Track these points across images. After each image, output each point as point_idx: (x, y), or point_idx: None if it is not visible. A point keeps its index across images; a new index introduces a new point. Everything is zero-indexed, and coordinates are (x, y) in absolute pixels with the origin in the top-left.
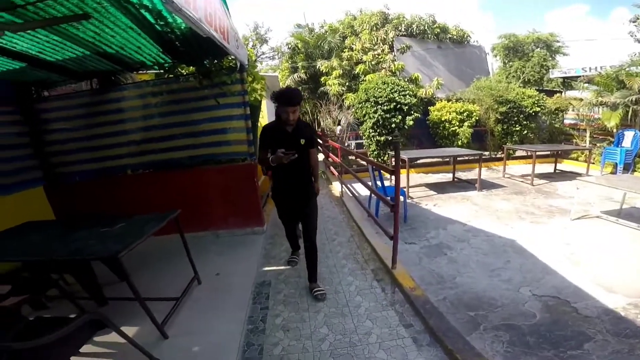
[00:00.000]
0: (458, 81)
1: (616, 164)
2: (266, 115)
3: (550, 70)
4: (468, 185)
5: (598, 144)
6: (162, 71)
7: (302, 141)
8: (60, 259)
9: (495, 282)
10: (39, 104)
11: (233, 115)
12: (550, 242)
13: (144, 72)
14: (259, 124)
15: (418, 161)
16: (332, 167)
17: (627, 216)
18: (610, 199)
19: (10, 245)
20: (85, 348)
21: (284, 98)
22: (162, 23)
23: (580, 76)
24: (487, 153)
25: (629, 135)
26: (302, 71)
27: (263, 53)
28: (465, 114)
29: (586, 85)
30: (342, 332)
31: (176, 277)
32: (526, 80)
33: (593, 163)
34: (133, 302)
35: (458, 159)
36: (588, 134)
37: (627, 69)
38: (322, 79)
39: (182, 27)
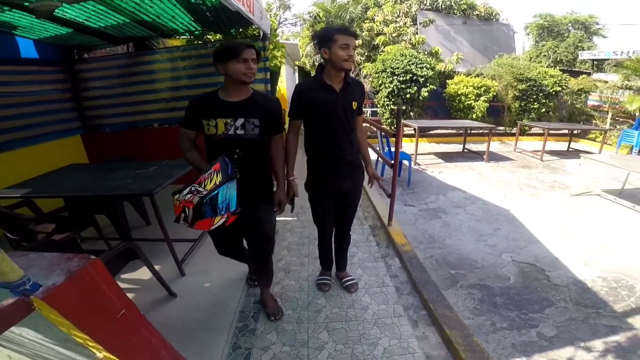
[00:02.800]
0: (482, 57)
1: (632, 146)
2: (285, 80)
3: (581, 51)
4: (477, 156)
5: (617, 127)
6: (192, 37)
7: (355, 104)
8: (103, 195)
9: (480, 247)
10: (80, 64)
11: (255, 79)
12: (543, 215)
13: (176, 37)
14: (277, 88)
15: (431, 131)
16: None
17: (628, 196)
18: (617, 179)
19: (59, 182)
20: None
21: (341, 28)
22: None
23: (609, 59)
24: (501, 128)
25: None
26: None
27: (285, 19)
28: (482, 88)
29: (615, 68)
30: (334, 276)
31: None
32: (557, 60)
33: (609, 144)
34: (155, 244)
35: (472, 131)
36: (609, 116)
37: None
38: None
39: (214, 0)
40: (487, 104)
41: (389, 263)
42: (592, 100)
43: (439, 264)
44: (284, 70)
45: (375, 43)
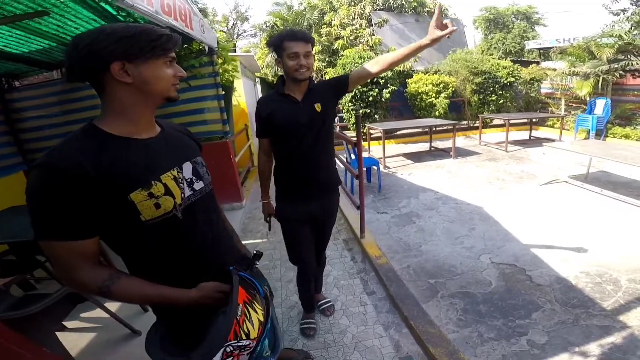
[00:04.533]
0: (437, 54)
1: (589, 130)
2: (243, 94)
3: (527, 41)
4: (444, 153)
5: (572, 112)
6: None
7: (318, 107)
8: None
9: (457, 250)
10: (10, 93)
11: (206, 96)
12: (516, 209)
13: None
14: (234, 104)
15: (397, 132)
16: None
17: (594, 180)
18: (580, 163)
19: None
20: (71, 324)
21: (288, 33)
22: (124, 14)
23: (553, 47)
24: (464, 122)
25: (600, 103)
26: None
27: (244, 31)
28: (441, 85)
29: (559, 55)
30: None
31: None
32: (507, 51)
33: (567, 130)
34: None
35: (437, 129)
36: (563, 103)
37: (597, 40)
38: None
39: (138, 18)
40: (447, 100)
41: (365, 279)
42: (545, 88)
43: (417, 274)
44: (240, 84)
45: (335, 47)
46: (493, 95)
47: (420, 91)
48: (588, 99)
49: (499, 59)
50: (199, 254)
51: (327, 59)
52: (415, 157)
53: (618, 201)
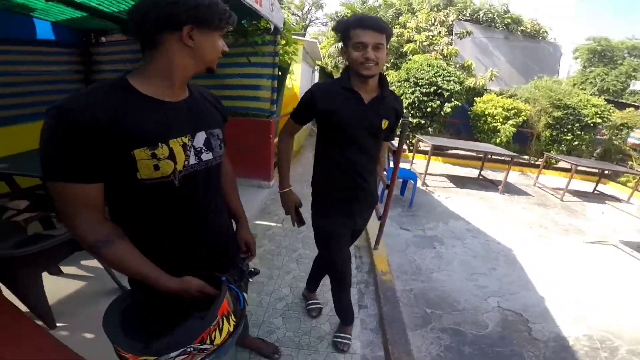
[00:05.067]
0: (519, 77)
1: None
2: (299, 79)
3: (633, 81)
4: (492, 185)
5: None
6: None
7: (385, 123)
8: None
9: (469, 286)
10: (96, 47)
11: (262, 74)
12: (548, 261)
13: None
14: (288, 87)
15: (448, 151)
16: None
17: None
18: (637, 229)
19: (33, 162)
20: (68, 269)
21: (356, 19)
22: None
23: None
24: (525, 157)
25: None
26: None
27: (317, 18)
28: (513, 111)
29: None
30: (299, 297)
31: None
32: (604, 89)
33: None
34: None
35: (492, 157)
36: None
37: None
38: None
39: None
40: (514, 129)
41: (362, 291)
42: (634, 138)
43: (416, 300)
44: (298, 68)
45: (404, 50)
46: (569, 134)
47: (486, 113)
48: None
49: (591, 95)
50: (193, 228)
51: (392, 60)
52: (460, 182)
53: None
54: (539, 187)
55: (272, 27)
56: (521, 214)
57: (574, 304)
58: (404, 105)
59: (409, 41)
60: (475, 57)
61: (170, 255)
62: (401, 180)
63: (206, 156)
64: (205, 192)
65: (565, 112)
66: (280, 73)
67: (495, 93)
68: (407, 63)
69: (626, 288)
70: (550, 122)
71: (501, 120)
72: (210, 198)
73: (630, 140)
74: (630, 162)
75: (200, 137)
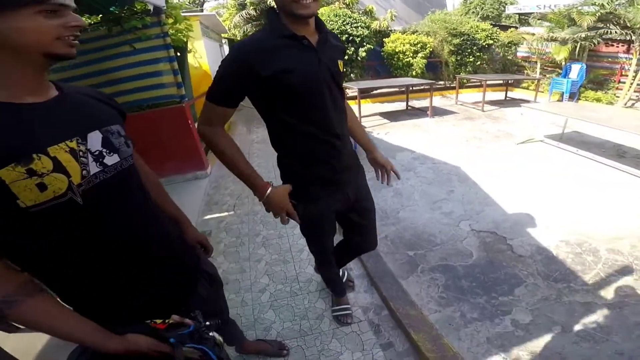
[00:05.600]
0: (416, 15)
1: (563, 93)
2: (205, 56)
3: (506, 6)
4: (421, 112)
5: (547, 75)
6: None
7: (341, 64)
8: None
9: (436, 216)
10: None
11: (157, 58)
12: (494, 169)
13: None
14: (195, 65)
15: (374, 91)
16: None
17: (569, 140)
18: (554, 124)
19: None
20: None
21: None
22: None
23: (534, 13)
24: (441, 82)
25: (575, 68)
26: (251, 7)
27: None
28: (419, 45)
29: (539, 21)
30: (282, 281)
31: None
32: (485, 15)
33: (542, 92)
34: None
35: (414, 88)
36: (538, 66)
37: (579, 8)
38: None
39: None
40: (425, 60)
41: None
42: (522, 52)
43: (395, 245)
44: (201, 45)
45: None
46: (471, 57)
47: (397, 50)
48: (564, 63)
49: (477, 22)
50: (125, 251)
51: None
52: (392, 116)
53: (593, 161)
54: (461, 104)
55: (152, 8)
56: (455, 131)
57: (536, 210)
58: None
59: None
60: (373, 2)
61: (118, 291)
62: None
63: (111, 160)
64: (125, 204)
65: (462, 38)
66: (179, 54)
67: (399, 32)
68: None
69: (569, 182)
70: (453, 49)
71: (411, 55)
72: (133, 209)
73: (520, 54)
74: (525, 71)
75: (95, 137)
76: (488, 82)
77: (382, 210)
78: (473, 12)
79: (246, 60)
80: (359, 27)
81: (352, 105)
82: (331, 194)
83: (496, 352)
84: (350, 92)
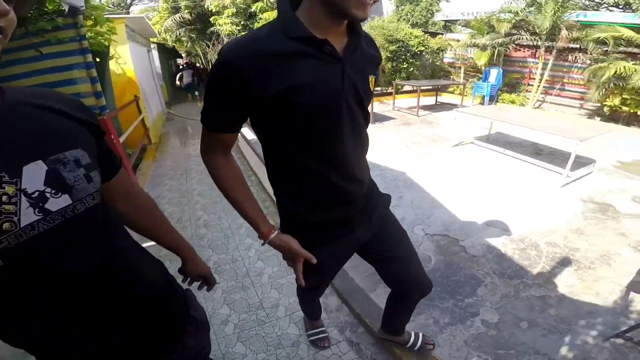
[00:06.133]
0: None
1: (484, 96)
2: (130, 62)
3: (434, 14)
4: None
5: (470, 80)
6: None
7: (372, 81)
8: None
9: None
10: None
11: (71, 64)
12: (435, 172)
13: None
14: (118, 72)
15: None
16: None
17: (494, 141)
18: (480, 126)
19: None
20: None
21: None
22: None
23: (459, 20)
24: (378, 88)
25: (493, 72)
26: (186, 11)
27: None
28: None
29: (462, 28)
30: (245, 310)
31: None
32: (414, 23)
33: (466, 95)
34: None
35: None
36: (462, 71)
37: (497, 15)
38: (212, 18)
39: None
40: None
41: None
42: (448, 57)
43: (357, 258)
44: (126, 50)
45: (252, 10)
46: (405, 63)
47: None
48: (484, 68)
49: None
50: (90, 326)
51: (242, 23)
52: None
53: (518, 160)
54: (398, 110)
55: (67, 8)
56: (395, 136)
57: (479, 210)
58: None
59: (255, 0)
60: None
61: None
62: None
63: (57, 203)
64: (84, 259)
65: (397, 45)
66: (98, 59)
67: None
68: (258, 22)
69: (501, 180)
70: (389, 55)
71: None
72: (91, 262)
73: (446, 60)
74: (451, 76)
75: (34, 172)
76: (422, 88)
77: None
78: (404, 19)
79: (238, 72)
80: None
81: None
82: (331, 246)
83: (477, 355)
84: None
